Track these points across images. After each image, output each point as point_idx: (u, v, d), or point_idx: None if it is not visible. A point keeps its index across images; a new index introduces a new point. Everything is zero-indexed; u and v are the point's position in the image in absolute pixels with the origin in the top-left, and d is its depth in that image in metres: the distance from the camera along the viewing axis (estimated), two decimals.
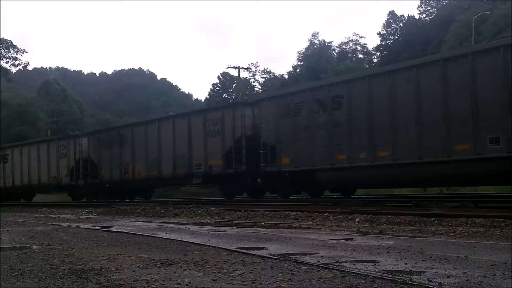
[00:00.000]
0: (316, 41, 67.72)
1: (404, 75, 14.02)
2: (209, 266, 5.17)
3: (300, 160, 16.30)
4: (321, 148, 15.65)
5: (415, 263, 5.12)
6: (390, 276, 4.42)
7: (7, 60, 48.93)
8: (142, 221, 12.53)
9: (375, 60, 65.22)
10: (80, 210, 18.43)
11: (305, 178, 16.48)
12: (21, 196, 32.76)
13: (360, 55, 69.00)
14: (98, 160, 25.58)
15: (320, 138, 15.68)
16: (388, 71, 14.66)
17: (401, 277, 4.33)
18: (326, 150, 15.47)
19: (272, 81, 71.03)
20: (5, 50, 48.40)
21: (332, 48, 68.30)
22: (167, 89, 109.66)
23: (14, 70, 52.46)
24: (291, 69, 70.66)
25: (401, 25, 64.74)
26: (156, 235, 8.47)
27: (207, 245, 6.89)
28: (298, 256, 5.72)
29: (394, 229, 8.49)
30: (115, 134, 24.99)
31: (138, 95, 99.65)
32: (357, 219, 10.06)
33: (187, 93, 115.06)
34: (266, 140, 17.33)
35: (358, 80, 15.23)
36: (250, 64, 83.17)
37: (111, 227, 10.85)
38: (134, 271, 5.04)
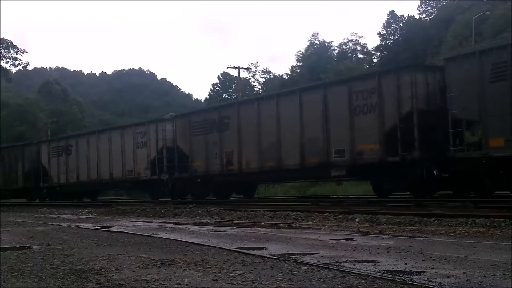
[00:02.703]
0: (316, 41, 67.75)
1: None
2: (209, 266, 5.17)
3: None
4: None
5: (415, 263, 5.12)
6: (390, 276, 4.42)
7: (7, 60, 49.10)
8: (142, 221, 12.52)
9: (375, 60, 65.21)
10: (80, 210, 18.43)
11: None
12: (84, 194, 29.39)
13: (360, 55, 69.00)
14: (189, 149, 20.89)
15: None
16: None
17: (401, 277, 4.33)
18: None
19: (272, 81, 71.02)
20: (5, 50, 48.52)
21: (332, 48, 68.33)
22: (167, 89, 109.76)
23: (14, 70, 52.67)
24: (290, 71, 70.55)
25: (401, 25, 64.67)
26: (156, 235, 8.47)
27: (207, 245, 6.89)
28: (298, 256, 5.72)
29: (394, 229, 8.48)
30: (212, 116, 20.18)
31: (138, 95, 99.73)
32: (357, 219, 10.05)
33: (187, 93, 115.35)
34: (461, 115, 12.90)
35: None
36: (250, 64, 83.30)
37: (111, 227, 10.85)
38: (134, 271, 5.04)
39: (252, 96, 22.40)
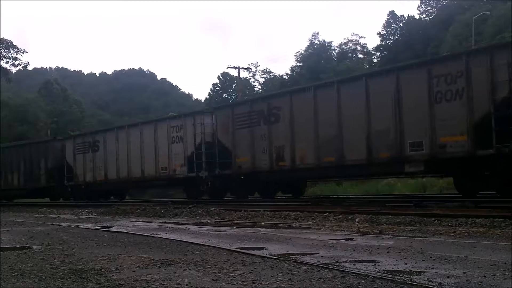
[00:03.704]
0: (316, 41, 67.76)
1: None
2: (209, 266, 5.17)
3: None
4: None
5: (415, 263, 5.13)
6: (390, 276, 4.42)
7: (7, 60, 49.09)
8: (142, 221, 12.53)
9: (375, 60, 65.23)
10: (80, 210, 18.42)
11: None
12: (112, 193, 27.51)
13: (360, 55, 69.01)
14: (232, 144, 19.12)
15: None
16: None
17: (401, 277, 4.34)
18: None
19: (272, 81, 71.04)
20: (5, 50, 48.53)
21: (332, 48, 68.34)
22: (167, 89, 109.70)
23: (14, 70, 52.66)
24: (290, 71, 70.53)
25: (401, 25, 64.72)
26: (156, 235, 8.48)
27: (207, 245, 6.90)
28: (298, 256, 5.72)
29: (394, 229, 8.49)
30: (260, 107, 18.32)
31: (138, 95, 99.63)
32: (357, 219, 10.06)
33: (187, 93, 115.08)
34: None
35: None
36: (250, 64, 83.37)
37: (111, 227, 10.86)
38: (134, 271, 5.05)
39: (307, 84, 20.30)
